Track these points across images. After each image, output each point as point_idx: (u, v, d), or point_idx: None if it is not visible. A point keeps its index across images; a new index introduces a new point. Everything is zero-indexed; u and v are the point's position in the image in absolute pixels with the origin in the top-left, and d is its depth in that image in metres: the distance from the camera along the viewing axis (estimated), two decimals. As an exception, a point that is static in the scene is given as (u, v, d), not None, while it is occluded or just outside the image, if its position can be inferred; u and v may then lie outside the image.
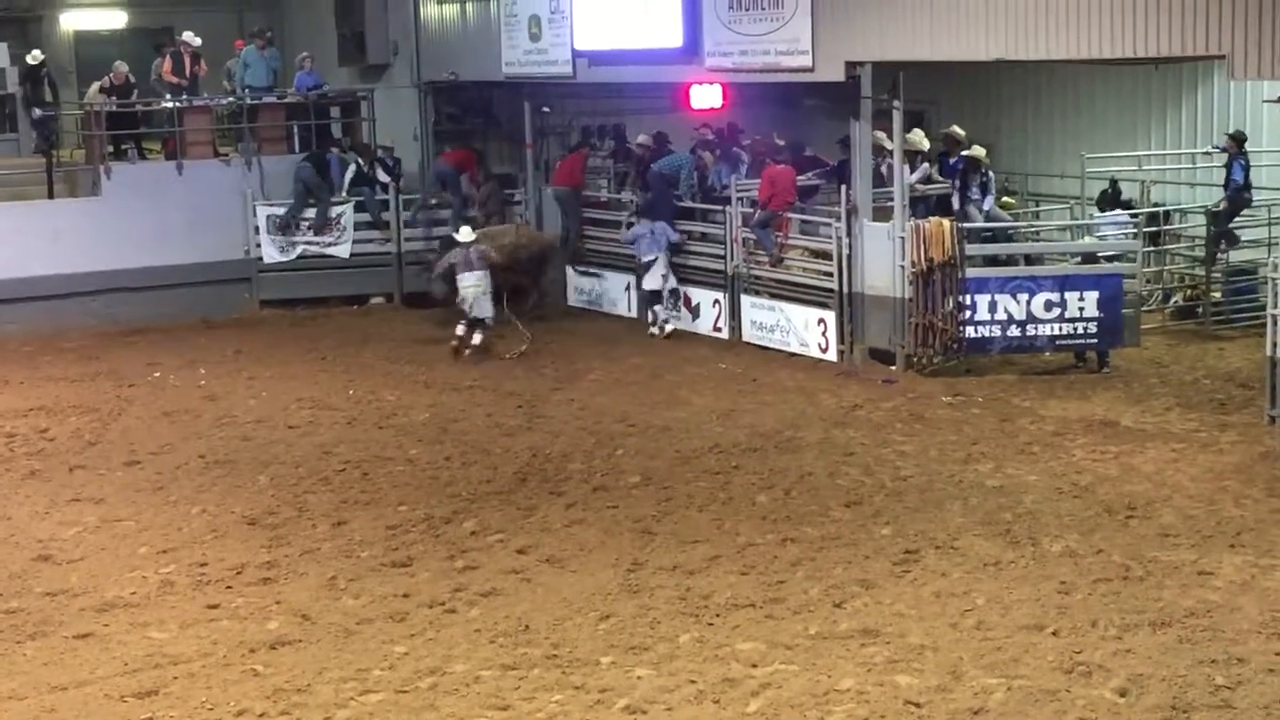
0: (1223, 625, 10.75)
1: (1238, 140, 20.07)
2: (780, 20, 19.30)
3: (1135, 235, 19.81)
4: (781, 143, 22.16)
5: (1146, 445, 15.34)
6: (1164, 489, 13.95)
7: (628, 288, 23.02)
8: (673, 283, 21.62)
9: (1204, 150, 21.36)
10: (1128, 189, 22.50)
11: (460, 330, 20.49)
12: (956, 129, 21.20)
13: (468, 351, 20.32)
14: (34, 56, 26.50)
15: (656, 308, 21.62)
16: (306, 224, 24.40)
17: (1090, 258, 19.09)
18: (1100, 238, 20.18)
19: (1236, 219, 20.52)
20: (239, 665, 10.67)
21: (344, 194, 24.56)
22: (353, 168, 24.64)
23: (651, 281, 21.66)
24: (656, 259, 21.43)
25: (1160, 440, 15.51)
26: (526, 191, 25.41)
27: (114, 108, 24.58)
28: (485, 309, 20.69)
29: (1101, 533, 12.83)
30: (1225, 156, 20.27)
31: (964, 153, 20.96)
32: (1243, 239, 20.76)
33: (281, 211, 24.33)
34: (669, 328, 21.41)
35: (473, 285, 20.62)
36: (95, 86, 25.69)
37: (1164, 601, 11.22)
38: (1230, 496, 13.65)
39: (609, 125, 25.96)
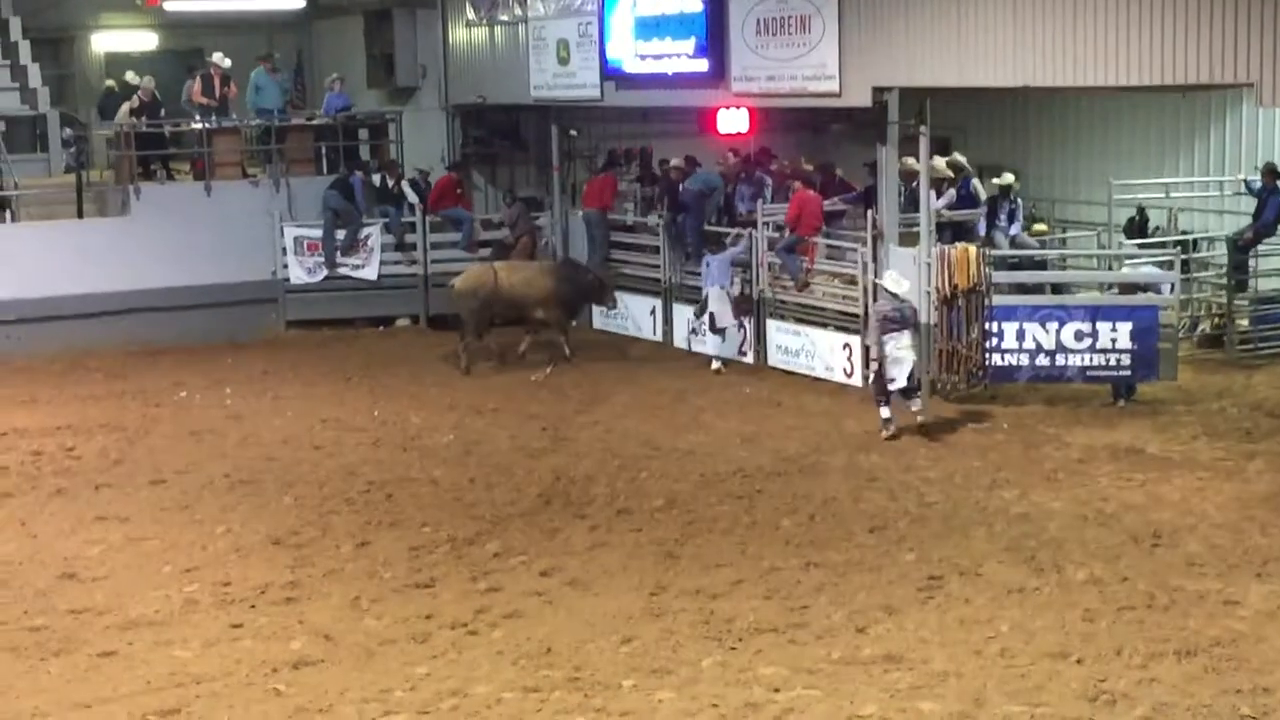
0: (1249, 655, 10.68)
1: (1274, 173, 19.98)
2: (808, 45, 19.32)
3: (1172, 266, 19.56)
4: (810, 167, 22.18)
5: (1172, 473, 15.27)
6: (1190, 517, 13.88)
7: (652, 311, 23.03)
8: (727, 320, 20.88)
9: (1240, 179, 21.26)
10: (1155, 216, 22.48)
11: (886, 413, 16.95)
12: (940, 163, 21.09)
13: (923, 429, 16.94)
14: (133, 78, 27.01)
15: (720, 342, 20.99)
16: (335, 247, 24.53)
17: (1130, 289, 18.75)
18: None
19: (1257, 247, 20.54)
20: (261, 684, 10.69)
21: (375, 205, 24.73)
22: (375, 179, 24.78)
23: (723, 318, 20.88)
24: (718, 289, 20.89)
25: (1186, 468, 15.43)
26: (553, 214, 25.47)
27: (144, 128, 24.76)
28: (906, 375, 16.94)
29: (1126, 561, 12.77)
30: (1258, 188, 20.25)
31: (995, 180, 20.95)
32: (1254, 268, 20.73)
33: (312, 233, 24.43)
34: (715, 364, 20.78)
35: (906, 348, 16.86)
36: (125, 107, 25.87)
37: (1189, 630, 11.16)
38: (1257, 525, 13.57)
39: (635, 149, 26.05)
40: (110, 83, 28.34)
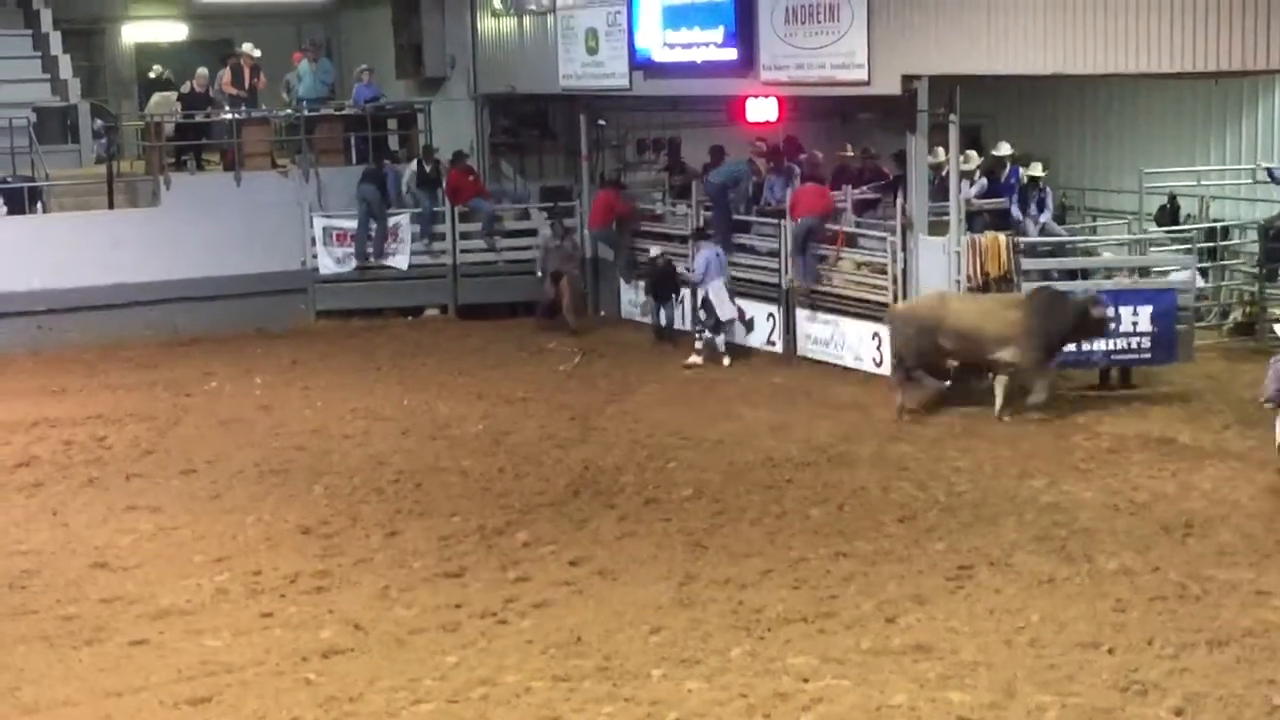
0: (1281, 645, 10.64)
1: None
2: (836, 33, 19.27)
3: (1190, 250, 19.56)
4: (851, 153, 22.37)
5: (1204, 463, 15.18)
6: (1222, 507, 13.80)
7: (681, 301, 22.98)
8: (729, 312, 20.79)
9: (1262, 167, 21.14)
10: (1186, 204, 22.36)
11: None
12: (1005, 147, 21.12)
13: None
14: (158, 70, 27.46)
15: (718, 337, 20.74)
16: (368, 239, 24.57)
17: (1145, 272, 18.84)
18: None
19: None
20: (291, 674, 10.72)
21: (408, 193, 24.74)
22: (415, 164, 24.82)
23: (725, 310, 20.75)
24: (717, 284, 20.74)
25: (1218, 458, 15.35)
26: (581, 204, 25.44)
27: (179, 118, 24.85)
28: None
29: (1158, 550, 12.71)
30: None
31: (1025, 171, 20.90)
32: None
33: (341, 223, 24.48)
34: (704, 358, 20.53)
35: None
36: (157, 97, 25.99)
37: (1221, 620, 11.11)
38: (1289, 515, 13.50)
39: (664, 138, 26.02)
40: (164, 72, 28.42)
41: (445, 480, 15.62)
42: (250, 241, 24.19)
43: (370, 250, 24.55)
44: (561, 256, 23.69)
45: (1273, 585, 11.78)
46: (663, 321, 22.35)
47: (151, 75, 28.59)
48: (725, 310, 20.84)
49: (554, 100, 26.07)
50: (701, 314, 20.96)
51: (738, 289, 21.44)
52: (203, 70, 25.63)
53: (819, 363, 20.32)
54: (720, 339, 20.84)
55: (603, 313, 24.68)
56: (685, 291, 21.97)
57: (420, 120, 26.23)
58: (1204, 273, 20.83)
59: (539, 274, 23.78)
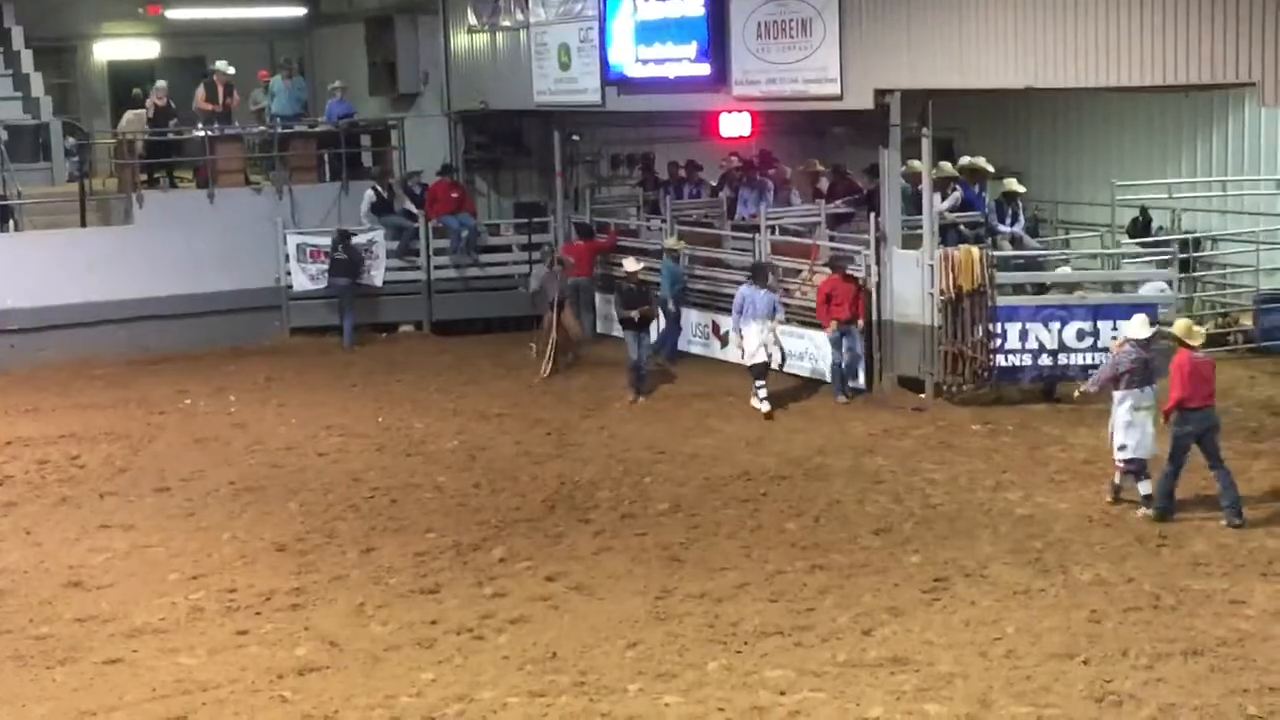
0: (1255, 654, 10.68)
1: None
2: (808, 48, 19.32)
3: (1169, 264, 19.66)
4: (821, 168, 22.32)
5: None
6: (1195, 517, 13.85)
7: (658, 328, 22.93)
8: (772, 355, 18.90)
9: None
10: (1158, 217, 22.48)
11: (1119, 480, 14.20)
12: (981, 161, 21.22)
13: None
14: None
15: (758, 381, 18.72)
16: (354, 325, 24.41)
17: (1119, 287, 18.96)
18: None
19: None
20: (267, 691, 10.69)
21: (364, 221, 24.70)
22: (370, 194, 24.75)
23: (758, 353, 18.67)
24: (758, 325, 18.78)
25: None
26: (556, 220, 25.45)
27: (149, 136, 24.79)
28: (1143, 446, 14.01)
29: (1133, 561, 12.77)
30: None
31: (1003, 183, 20.98)
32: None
33: (314, 240, 24.40)
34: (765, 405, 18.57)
35: (1147, 409, 13.98)
36: (129, 115, 25.91)
37: (1196, 630, 11.16)
38: (1262, 525, 13.55)
39: (638, 153, 26.06)
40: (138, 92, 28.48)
41: (421, 496, 15.60)
42: (224, 259, 24.15)
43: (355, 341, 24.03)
44: (559, 284, 21.74)
45: (1246, 594, 11.85)
46: (639, 355, 19.75)
47: (136, 93, 28.54)
48: (751, 353, 18.77)
49: (528, 116, 26.09)
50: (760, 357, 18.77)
51: (712, 303, 21.45)
52: (161, 83, 25.58)
53: (794, 376, 20.33)
54: (759, 388, 18.71)
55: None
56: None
57: (394, 137, 26.22)
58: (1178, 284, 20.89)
59: (549, 301, 21.57)
